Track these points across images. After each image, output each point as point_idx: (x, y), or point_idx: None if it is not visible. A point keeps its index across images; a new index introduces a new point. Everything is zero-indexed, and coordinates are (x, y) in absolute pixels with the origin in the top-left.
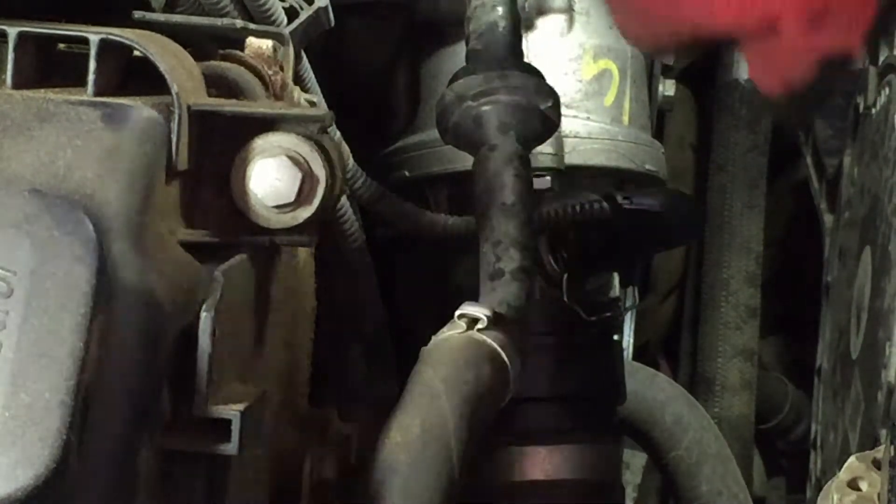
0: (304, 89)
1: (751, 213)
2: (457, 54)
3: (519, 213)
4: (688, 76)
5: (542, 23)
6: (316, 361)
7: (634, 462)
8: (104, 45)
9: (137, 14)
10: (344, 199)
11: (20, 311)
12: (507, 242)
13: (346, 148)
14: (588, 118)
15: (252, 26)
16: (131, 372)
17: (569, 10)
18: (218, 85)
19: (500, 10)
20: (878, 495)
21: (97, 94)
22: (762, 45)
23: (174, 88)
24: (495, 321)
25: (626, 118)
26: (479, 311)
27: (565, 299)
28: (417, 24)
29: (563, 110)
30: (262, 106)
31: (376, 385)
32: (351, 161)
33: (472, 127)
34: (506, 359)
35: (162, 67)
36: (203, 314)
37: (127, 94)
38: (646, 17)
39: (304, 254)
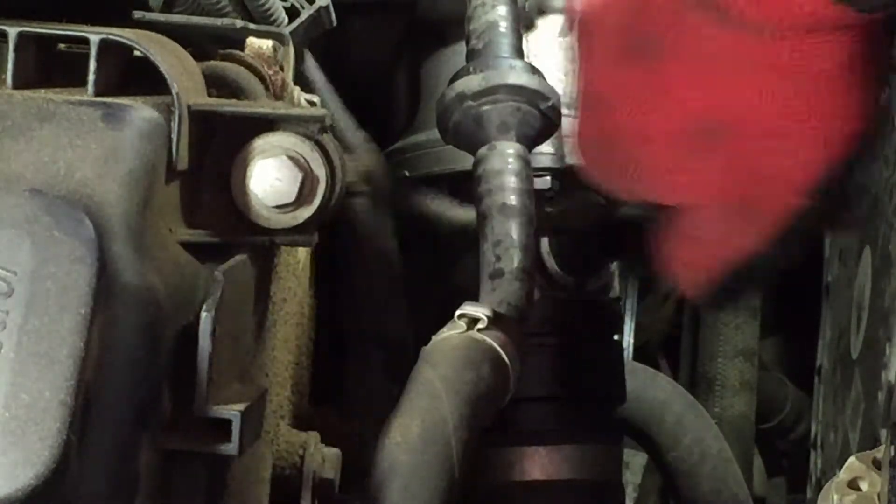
0: (311, 90)
1: None
2: (457, 54)
3: (519, 213)
4: None
5: (542, 23)
6: (338, 367)
7: (634, 462)
8: (104, 45)
9: (137, 14)
10: (369, 201)
11: (20, 311)
12: (507, 242)
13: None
14: None
15: (252, 26)
16: (131, 372)
17: None
18: (218, 85)
19: (500, 9)
20: (879, 495)
21: (97, 94)
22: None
23: (174, 88)
24: (495, 321)
25: None
26: (479, 310)
27: (565, 298)
28: (418, 24)
29: (563, 110)
30: (262, 106)
31: (396, 392)
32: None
33: (473, 126)
34: (506, 359)
35: (162, 67)
36: (203, 314)
37: (127, 94)
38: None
39: (303, 254)
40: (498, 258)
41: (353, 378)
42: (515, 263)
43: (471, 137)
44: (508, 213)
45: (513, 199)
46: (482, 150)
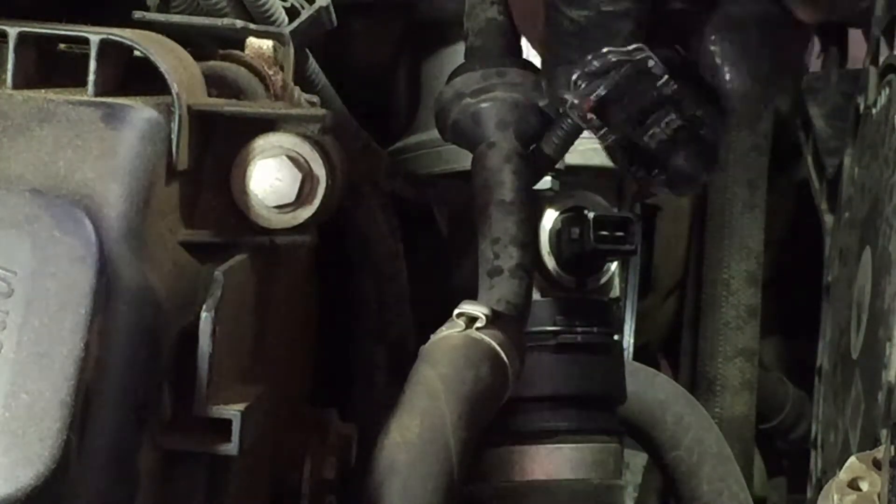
0: (314, 91)
1: (751, 213)
2: (457, 54)
3: (518, 210)
4: None
5: None
6: (338, 368)
7: (634, 462)
8: (104, 45)
9: (137, 14)
10: (374, 203)
11: (20, 311)
12: (505, 240)
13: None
14: None
15: (252, 26)
16: (131, 372)
17: None
18: (218, 85)
19: (497, 7)
20: (879, 495)
21: (97, 94)
22: None
23: (174, 88)
24: (494, 319)
25: None
26: (477, 309)
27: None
28: (418, 23)
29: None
30: (262, 106)
31: (397, 391)
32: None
33: (471, 124)
34: (505, 357)
35: (162, 67)
36: (203, 314)
37: (127, 94)
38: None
39: (304, 253)
40: (496, 256)
41: (357, 379)
42: (514, 261)
43: (469, 135)
44: (507, 210)
45: (511, 196)
46: (481, 148)
